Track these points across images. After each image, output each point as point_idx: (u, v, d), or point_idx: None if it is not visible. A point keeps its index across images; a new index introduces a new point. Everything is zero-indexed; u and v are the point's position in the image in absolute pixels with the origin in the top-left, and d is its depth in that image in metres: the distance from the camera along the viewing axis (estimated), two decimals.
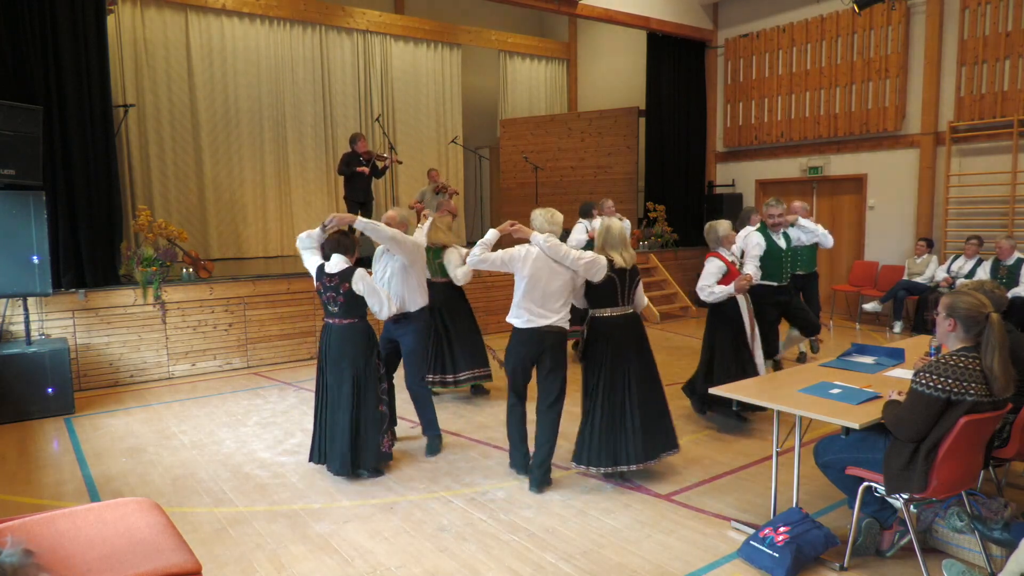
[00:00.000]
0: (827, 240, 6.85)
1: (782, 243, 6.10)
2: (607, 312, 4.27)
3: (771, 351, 5.96)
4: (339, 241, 4.38)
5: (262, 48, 10.75)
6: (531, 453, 4.37)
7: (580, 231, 7.81)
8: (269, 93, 10.87)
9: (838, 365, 4.11)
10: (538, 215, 4.27)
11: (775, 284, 5.99)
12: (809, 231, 6.55)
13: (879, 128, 9.64)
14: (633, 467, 4.18)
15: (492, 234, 4.22)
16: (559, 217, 4.29)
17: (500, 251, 4.20)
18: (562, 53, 14.27)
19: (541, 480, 4.20)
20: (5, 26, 6.12)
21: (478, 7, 11.64)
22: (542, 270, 4.13)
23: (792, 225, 6.41)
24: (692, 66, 11.73)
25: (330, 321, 4.38)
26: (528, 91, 13.97)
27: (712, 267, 5.24)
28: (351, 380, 4.30)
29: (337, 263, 4.32)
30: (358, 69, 11.71)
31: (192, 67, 10.22)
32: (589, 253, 4.22)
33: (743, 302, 5.32)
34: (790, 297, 6.25)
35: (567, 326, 4.30)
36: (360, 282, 4.25)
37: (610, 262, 4.24)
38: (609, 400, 4.19)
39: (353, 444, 4.29)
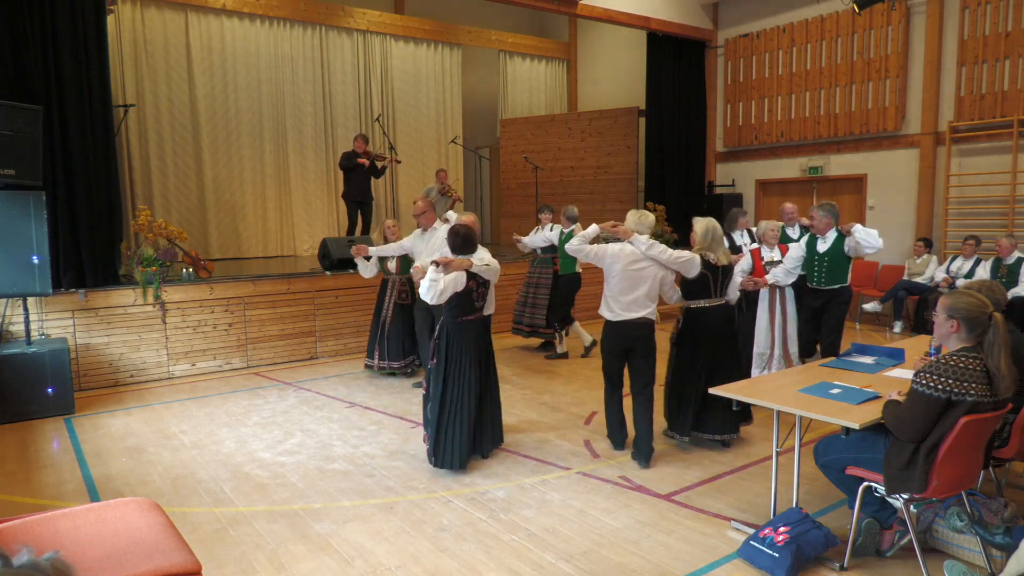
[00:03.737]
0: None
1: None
2: (702, 303, 4.73)
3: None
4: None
5: (262, 48, 10.75)
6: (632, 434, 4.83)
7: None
8: (269, 93, 10.86)
9: (838, 365, 4.11)
10: (631, 217, 4.68)
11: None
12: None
13: (879, 128, 9.64)
14: (707, 436, 4.80)
15: (593, 229, 4.71)
16: (650, 218, 4.72)
17: (595, 246, 4.66)
18: (562, 53, 14.27)
19: (648, 454, 4.60)
20: (5, 26, 6.11)
21: (478, 7, 11.63)
22: (628, 268, 4.57)
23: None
24: (692, 66, 11.73)
25: (469, 318, 4.54)
26: (528, 91, 13.97)
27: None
28: (494, 368, 4.77)
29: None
30: (358, 69, 11.71)
31: (192, 67, 10.22)
32: (686, 252, 4.65)
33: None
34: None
35: (654, 318, 4.72)
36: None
37: (706, 260, 4.65)
38: (698, 377, 4.70)
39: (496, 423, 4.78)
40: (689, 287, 4.73)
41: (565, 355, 7.82)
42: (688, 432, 4.82)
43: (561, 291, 7.75)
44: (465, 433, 4.43)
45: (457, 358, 4.48)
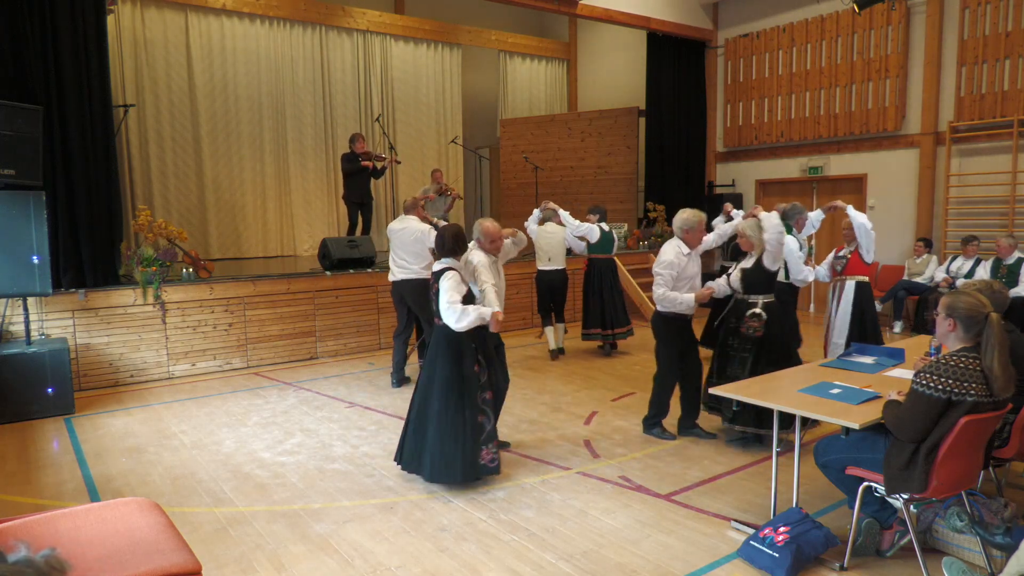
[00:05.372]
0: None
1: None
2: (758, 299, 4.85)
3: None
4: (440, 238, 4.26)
5: (262, 48, 10.75)
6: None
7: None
8: (269, 93, 10.87)
9: (838, 365, 4.11)
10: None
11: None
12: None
13: (879, 128, 9.64)
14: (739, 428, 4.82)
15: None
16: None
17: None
18: (562, 53, 14.27)
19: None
20: (5, 26, 6.11)
21: (478, 7, 11.63)
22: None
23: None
24: (692, 66, 11.73)
25: (439, 321, 4.21)
26: (528, 91, 13.97)
27: None
28: (437, 384, 4.16)
29: (440, 263, 4.25)
30: (358, 69, 11.71)
31: (192, 67, 10.22)
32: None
33: None
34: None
35: (659, 309, 4.98)
36: (443, 283, 4.09)
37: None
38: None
39: (442, 453, 4.11)
40: (749, 280, 4.91)
41: (561, 351, 7.80)
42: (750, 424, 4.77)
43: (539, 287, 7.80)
44: (408, 434, 4.26)
45: (428, 358, 4.30)
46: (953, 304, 2.98)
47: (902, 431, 2.99)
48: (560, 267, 7.64)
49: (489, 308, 4.10)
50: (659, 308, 4.99)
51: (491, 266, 4.55)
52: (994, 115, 8.59)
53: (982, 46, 8.67)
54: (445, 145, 12.72)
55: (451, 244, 4.24)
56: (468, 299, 4.17)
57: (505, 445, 4.92)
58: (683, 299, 4.84)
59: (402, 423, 5.50)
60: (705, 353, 5.50)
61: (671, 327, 5.03)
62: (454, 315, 4.01)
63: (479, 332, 4.23)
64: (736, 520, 3.73)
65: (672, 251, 4.89)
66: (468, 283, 4.26)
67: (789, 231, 6.33)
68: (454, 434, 4.09)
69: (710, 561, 3.35)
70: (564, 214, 7.37)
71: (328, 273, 8.00)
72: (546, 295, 7.73)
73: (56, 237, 6.30)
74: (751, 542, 3.33)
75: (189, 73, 10.22)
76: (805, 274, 5.84)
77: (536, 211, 7.43)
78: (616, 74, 13.40)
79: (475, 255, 4.52)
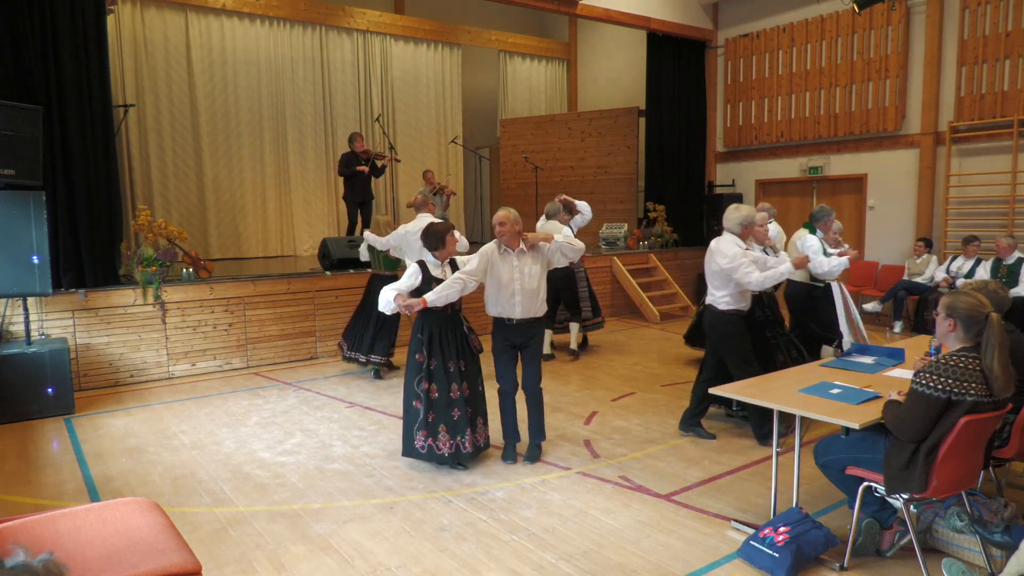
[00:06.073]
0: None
1: None
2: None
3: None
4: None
5: (262, 48, 10.75)
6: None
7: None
8: (269, 93, 10.87)
9: (838, 365, 4.11)
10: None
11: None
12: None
13: (879, 128, 9.64)
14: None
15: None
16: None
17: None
18: (562, 53, 14.27)
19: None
20: (5, 26, 6.11)
21: (478, 7, 11.64)
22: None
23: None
24: (692, 66, 11.73)
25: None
26: (528, 91, 13.97)
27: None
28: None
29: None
30: (358, 69, 11.72)
31: (192, 67, 10.22)
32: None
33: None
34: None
35: (718, 306, 4.88)
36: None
37: None
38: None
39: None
40: None
41: (551, 356, 7.67)
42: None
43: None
44: (413, 419, 4.45)
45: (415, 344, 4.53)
46: (953, 304, 2.98)
47: (902, 431, 2.99)
48: (562, 264, 7.59)
49: (398, 295, 4.32)
50: (722, 307, 4.84)
51: (497, 256, 4.51)
52: (994, 115, 8.59)
53: (982, 46, 8.67)
54: (445, 145, 12.72)
55: (422, 242, 4.59)
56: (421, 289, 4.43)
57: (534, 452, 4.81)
58: (782, 269, 4.72)
59: (401, 423, 5.52)
60: (697, 354, 5.56)
61: (738, 321, 4.86)
62: (380, 300, 4.38)
63: (446, 325, 4.48)
64: (736, 520, 3.73)
65: (733, 245, 4.74)
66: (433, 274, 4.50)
67: (813, 232, 6.35)
68: (404, 414, 4.58)
69: (710, 561, 3.35)
70: (582, 204, 7.42)
71: (328, 273, 8.00)
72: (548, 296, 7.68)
73: (56, 237, 6.30)
74: (751, 542, 3.33)
75: (189, 73, 10.22)
76: (832, 268, 5.57)
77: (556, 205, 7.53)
78: (616, 74, 13.40)
79: (488, 244, 4.62)
